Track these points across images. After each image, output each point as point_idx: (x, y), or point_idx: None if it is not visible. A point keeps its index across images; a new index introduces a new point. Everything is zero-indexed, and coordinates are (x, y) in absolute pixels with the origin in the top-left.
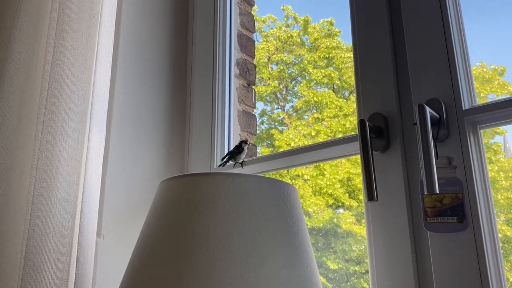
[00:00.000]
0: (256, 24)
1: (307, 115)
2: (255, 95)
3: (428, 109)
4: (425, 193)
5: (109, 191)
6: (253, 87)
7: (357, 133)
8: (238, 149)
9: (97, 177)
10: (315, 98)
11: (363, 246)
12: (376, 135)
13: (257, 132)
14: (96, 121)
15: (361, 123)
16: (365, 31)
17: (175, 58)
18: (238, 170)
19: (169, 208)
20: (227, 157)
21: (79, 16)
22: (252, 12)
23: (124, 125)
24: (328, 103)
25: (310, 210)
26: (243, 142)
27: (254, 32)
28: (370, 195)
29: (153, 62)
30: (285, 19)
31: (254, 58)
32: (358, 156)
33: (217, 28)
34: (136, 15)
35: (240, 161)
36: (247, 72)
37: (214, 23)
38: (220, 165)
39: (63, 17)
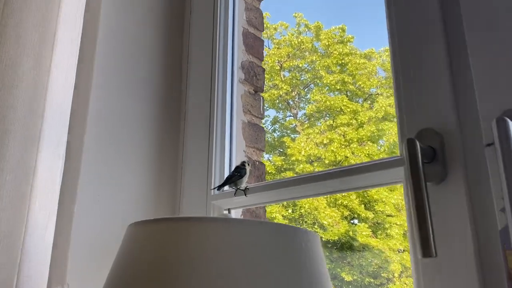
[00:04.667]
0: (267, 30)
1: (320, 122)
2: (263, 104)
3: (511, 124)
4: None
5: (79, 226)
6: (262, 94)
7: (401, 156)
8: (239, 172)
9: (49, 214)
10: (327, 103)
11: (381, 259)
12: (427, 159)
13: (269, 139)
14: (50, 141)
15: (410, 144)
16: (408, 24)
17: (168, 60)
18: (240, 199)
19: (135, 264)
20: (225, 181)
21: (27, 4)
22: (261, 8)
23: (101, 144)
24: (342, 107)
25: (325, 222)
26: (243, 164)
27: (263, 31)
28: (426, 248)
29: (140, 65)
30: (297, 26)
31: (262, 60)
32: None
33: (218, 25)
34: (119, 8)
35: (242, 186)
36: (254, 77)
37: (214, 19)
38: (214, 188)
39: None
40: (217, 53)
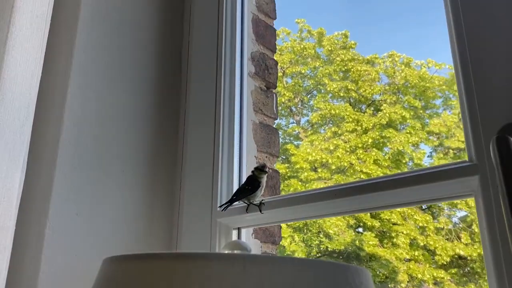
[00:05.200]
0: None
1: (324, 129)
2: (276, 102)
3: None
4: None
5: (50, 253)
6: (274, 91)
7: (472, 161)
8: (252, 184)
9: (3, 246)
10: (332, 111)
11: (388, 270)
12: None
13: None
14: (3, 142)
15: (501, 144)
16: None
17: (166, 49)
18: (253, 216)
19: None
20: (233, 197)
21: None
22: None
23: (82, 148)
24: (345, 117)
25: (331, 231)
26: (257, 170)
27: (275, 19)
28: None
29: (131, 54)
30: (299, 32)
31: (275, 52)
32: None
33: (224, 9)
34: None
35: (256, 201)
36: (266, 71)
37: (220, 3)
38: (221, 207)
39: None
40: (223, 42)
